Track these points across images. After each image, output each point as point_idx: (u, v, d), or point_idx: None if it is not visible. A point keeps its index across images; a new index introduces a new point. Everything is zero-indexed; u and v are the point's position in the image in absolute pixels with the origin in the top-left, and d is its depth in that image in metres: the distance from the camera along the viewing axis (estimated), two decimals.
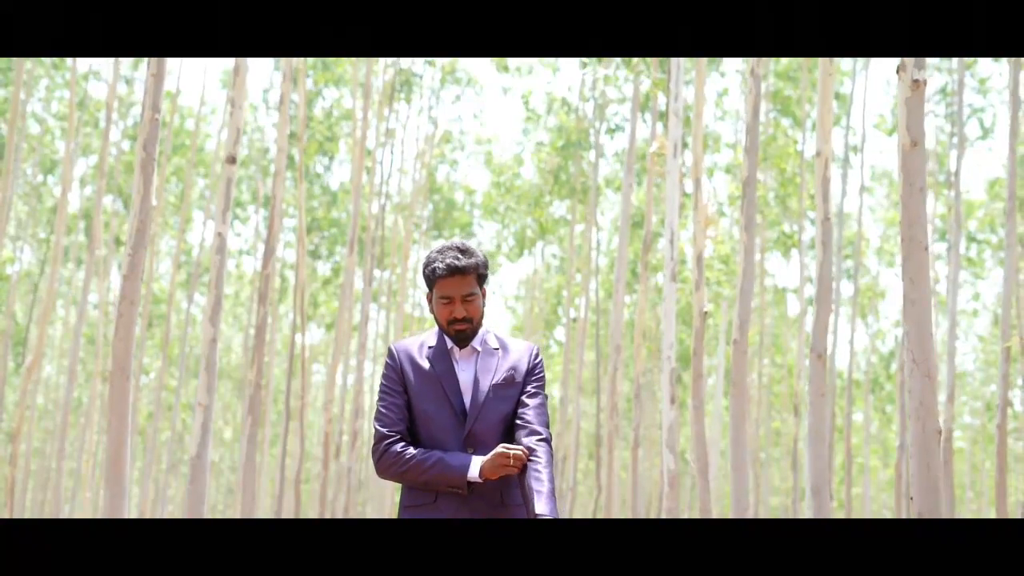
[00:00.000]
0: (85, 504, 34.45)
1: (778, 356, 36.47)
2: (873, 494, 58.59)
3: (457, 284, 3.47)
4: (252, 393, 10.97)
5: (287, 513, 43.80)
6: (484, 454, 3.45)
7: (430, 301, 3.57)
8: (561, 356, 41.39)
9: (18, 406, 19.66)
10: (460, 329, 3.51)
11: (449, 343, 3.57)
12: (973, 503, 54.35)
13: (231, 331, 46.53)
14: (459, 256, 3.48)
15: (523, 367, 3.57)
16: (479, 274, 3.52)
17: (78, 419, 42.29)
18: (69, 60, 31.01)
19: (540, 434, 3.47)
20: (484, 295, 3.57)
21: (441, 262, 3.47)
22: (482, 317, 3.57)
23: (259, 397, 11.06)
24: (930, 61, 30.64)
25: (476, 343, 3.58)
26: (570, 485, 26.57)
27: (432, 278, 3.50)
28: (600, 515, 30.94)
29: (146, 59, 33.61)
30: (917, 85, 5.15)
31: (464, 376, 3.53)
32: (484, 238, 37.66)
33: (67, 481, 43.20)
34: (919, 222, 5.10)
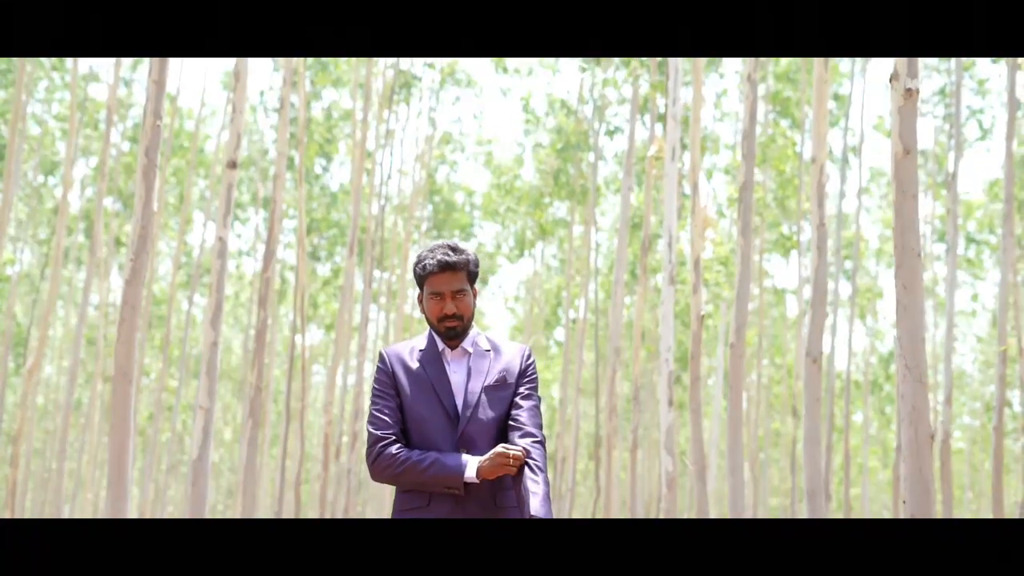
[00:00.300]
0: (85, 505, 34.53)
1: (778, 357, 36.53)
2: (873, 494, 58.62)
3: (448, 280, 3.50)
4: (253, 396, 11.01)
5: (287, 514, 43.86)
6: (478, 455, 3.47)
7: (421, 302, 3.60)
8: (561, 357, 41.45)
9: (19, 408, 19.73)
10: (451, 326, 3.52)
11: (440, 345, 3.59)
12: (973, 503, 54.39)
13: (231, 332, 46.60)
14: (449, 253, 3.52)
15: (515, 368, 3.58)
16: (469, 271, 3.55)
17: (78, 420, 42.35)
18: (69, 62, 31.07)
19: (534, 436, 3.49)
20: (475, 295, 3.60)
21: (432, 259, 3.51)
22: (472, 316, 3.60)
23: (260, 401, 11.10)
24: (928, 62, 30.69)
25: (467, 344, 3.59)
26: (569, 486, 26.62)
27: (423, 275, 3.53)
28: (599, 517, 31.01)
29: (147, 65, 33.66)
30: (910, 94, 5.21)
31: (456, 378, 3.54)
32: (484, 239, 37.73)
33: (67, 482, 43.26)
34: (912, 229, 5.16)
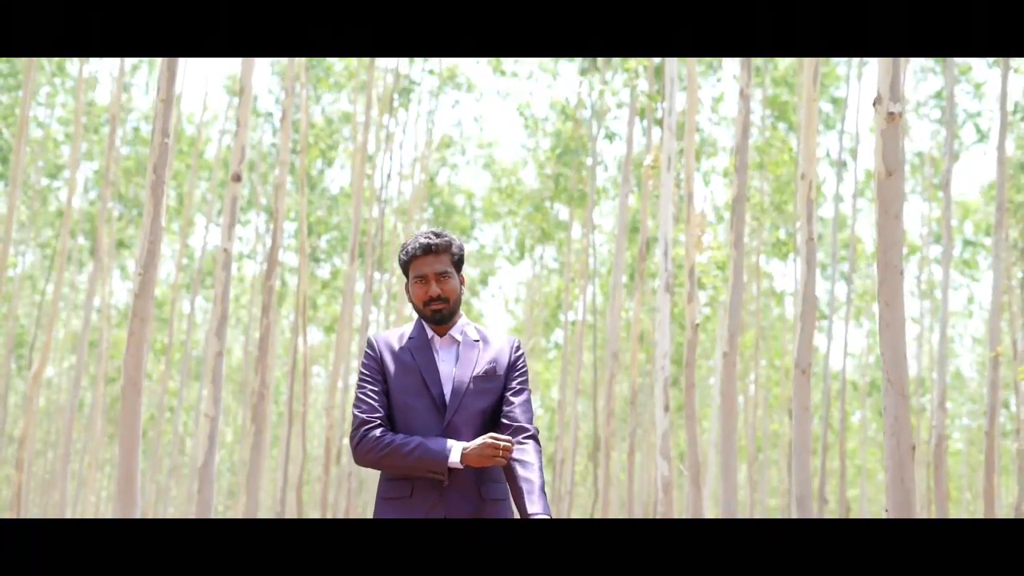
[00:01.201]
0: (87, 507, 34.66)
1: (776, 358, 36.69)
2: (873, 495, 58.71)
3: (431, 262, 3.51)
4: (256, 403, 11.16)
5: (289, 516, 43.99)
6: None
7: (408, 292, 3.57)
8: (559, 359, 41.61)
9: (24, 410, 19.89)
10: (437, 308, 3.52)
11: (429, 333, 3.58)
12: (971, 504, 54.52)
13: (232, 334, 46.73)
14: (431, 236, 3.53)
15: (504, 360, 3.58)
16: (453, 254, 3.56)
17: (80, 421, 42.50)
18: (70, 67, 31.25)
19: (528, 431, 3.51)
20: (462, 282, 3.60)
21: (414, 243, 3.55)
22: (459, 300, 3.57)
23: (263, 407, 11.27)
24: (925, 65, 30.87)
25: (456, 333, 3.58)
26: (568, 488, 26.79)
27: (407, 260, 3.54)
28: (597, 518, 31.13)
29: (146, 69, 33.68)
30: (893, 118, 5.39)
31: (444, 367, 3.53)
32: (484, 241, 37.90)
33: (70, 484, 43.41)
34: (895, 247, 5.35)
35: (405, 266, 3.57)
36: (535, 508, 3.34)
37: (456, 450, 3.38)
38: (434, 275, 3.51)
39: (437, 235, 3.55)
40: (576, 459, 46.65)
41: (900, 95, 5.42)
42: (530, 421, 3.56)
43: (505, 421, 3.53)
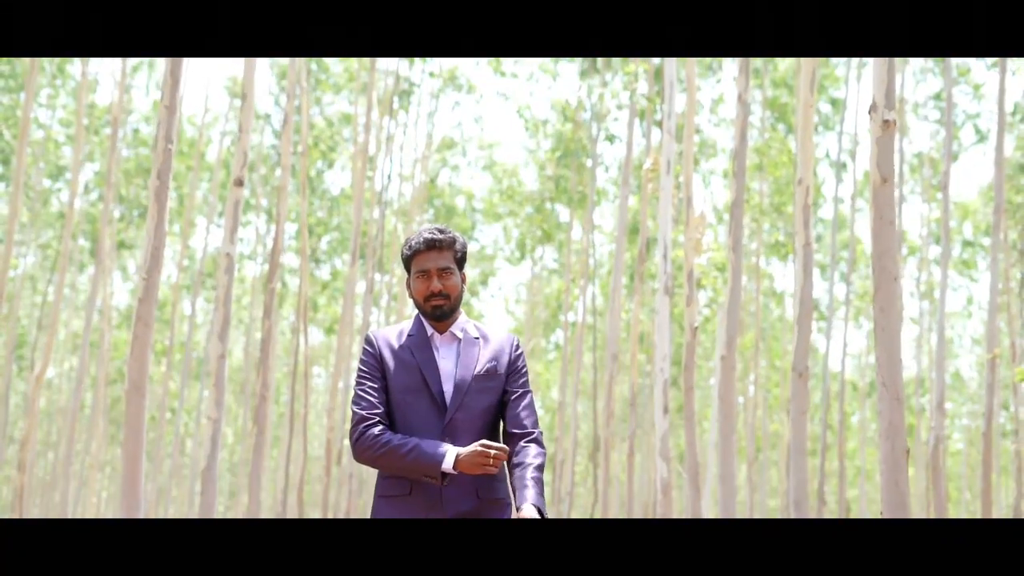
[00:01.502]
0: (88, 507, 34.72)
1: (776, 359, 36.75)
2: (872, 496, 58.75)
3: (434, 257, 3.51)
4: (258, 405, 11.21)
5: (290, 516, 43.97)
6: (463, 444, 3.46)
7: (409, 287, 3.58)
8: (559, 360, 41.67)
9: (26, 412, 19.95)
10: (437, 304, 3.51)
11: (429, 330, 3.57)
12: (971, 504, 54.58)
13: (233, 335, 46.80)
14: (435, 232, 3.53)
15: (504, 359, 3.58)
16: (456, 251, 3.56)
17: (81, 422, 42.55)
18: (72, 69, 31.31)
19: (531, 434, 3.52)
20: (464, 280, 3.59)
21: (418, 238, 3.55)
22: (460, 297, 3.57)
23: (265, 409, 11.33)
24: (924, 66, 30.93)
25: (456, 330, 3.58)
26: (568, 488, 26.85)
27: (409, 255, 3.54)
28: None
29: (146, 70, 33.69)
30: (888, 125, 5.46)
31: (445, 364, 3.53)
32: (484, 242, 37.96)
33: (71, 485, 43.42)
34: (889, 254, 5.41)
35: (408, 261, 3.58)
36: (530, 507, 3.36)
37: (451, 455, 3.36)
38: (436, 271, 3.51)
39: (441, 231, 3.56)
40: (576, 460, 46.79)
41: (895, 102, 5.47)
42: (535, 424, 3.58)
43: (513, 430, 3.54)
